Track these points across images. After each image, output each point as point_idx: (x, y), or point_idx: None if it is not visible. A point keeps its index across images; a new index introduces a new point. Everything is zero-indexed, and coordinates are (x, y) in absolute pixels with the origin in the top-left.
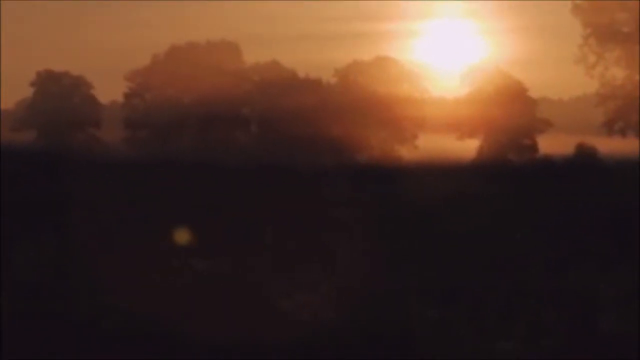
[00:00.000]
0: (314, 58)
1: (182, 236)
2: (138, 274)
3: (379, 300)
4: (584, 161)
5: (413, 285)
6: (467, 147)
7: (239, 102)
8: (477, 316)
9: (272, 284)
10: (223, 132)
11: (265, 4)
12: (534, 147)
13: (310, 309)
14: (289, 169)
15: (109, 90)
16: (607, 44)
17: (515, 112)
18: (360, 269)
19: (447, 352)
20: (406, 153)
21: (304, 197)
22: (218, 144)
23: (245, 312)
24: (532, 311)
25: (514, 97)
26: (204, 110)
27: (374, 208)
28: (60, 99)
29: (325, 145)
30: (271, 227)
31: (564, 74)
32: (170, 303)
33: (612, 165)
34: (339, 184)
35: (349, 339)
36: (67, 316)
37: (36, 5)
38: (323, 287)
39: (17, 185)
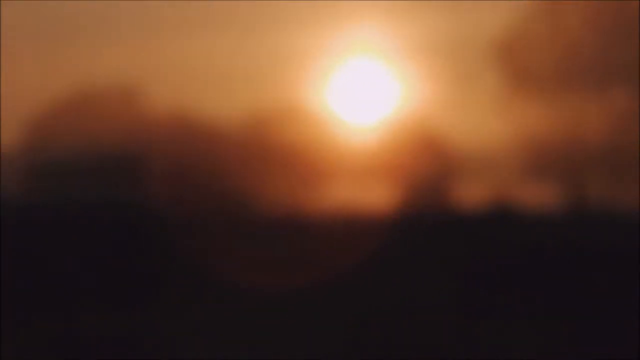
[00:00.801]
0: (219, 102)
1: None
2: None
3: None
4: (502, 213)
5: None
6: (380, 197)
7: (146, 153)
8: None
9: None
10: (116, 180)
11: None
12: (450, 197)
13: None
14: (188, 220)
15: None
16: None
17: (430, 160)
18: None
19: None
20: (314, 203)
21: (206, 250)
22: (110, 192)
23: None
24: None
25: (429, 144)
26: (98, 157)
27: (289, 267)
28: None
29: (227, 194)
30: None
31: (483, 120)
32: None
33: (533, 215)
34: (244, 236)
35: None
36: None
37: None
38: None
39: None
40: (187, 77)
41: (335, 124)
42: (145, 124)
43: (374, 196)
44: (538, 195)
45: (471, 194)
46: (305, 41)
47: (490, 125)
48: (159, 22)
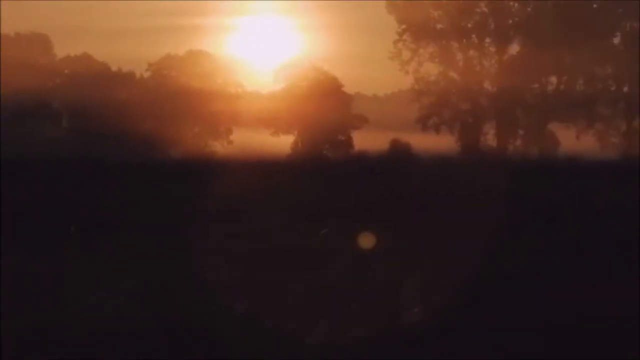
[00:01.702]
0: (127, 52)
1: None
2: None
3: (184, 297)
4: (398, 157)
5: (219, 281)
6: (282, 143)
7: (49, 95)
8: (279, 313)
9: (75, 281)
10: (33, 126)
11: None
12: (349, 143)
13: (113, 304)
14: (99, 164)
15: None
16: (422, 40)
17: (330, 108)
18: (165, 265)
19: (254, 349)
20: (220, 148)
21: (114, 192)
22: (27, 139)
23: (47, 308)
24: (336, 307)
25: (329, 93)
26: (13, 104)
27: (186, 204)
28: None
29: (138, 140)
30: (77, 224)
31: (379, 70)
32: None
33: (426, 160)
34: (151, 179)
35: (152, 336)
36: None
37: None
38: (127, 283)
39: None
40: (91, 30)
41: (240, 70)
42: (58, 70)
43: (277, 140)
44: (435, 141)
45: (370, 138)
46: None
47: (390, 75)
48: None
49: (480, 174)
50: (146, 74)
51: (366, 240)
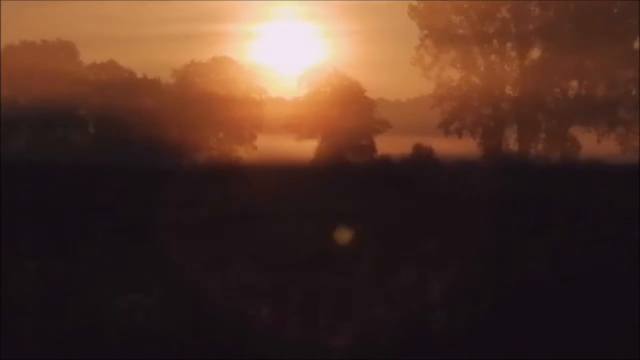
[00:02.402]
0: (151, 58)
1: None
2: None
3: (213, 301)
4: (421, 161)
5: (248, 286)
6: (306, 148)
7: (75, 102)
8: (308, 315)
9: (104, 284)
10: (59, 133)
11: (101, 5)
12: (372, 148)
13: (143, 309)
14: (126, 170)
15: None
16: (443, 45)
17: (353, 113)
18: (196, 270)
19: (278, 352)
20: (245, 154)
21: (140, 197)
22: (54, 145)
23: (77, 311)
24: (363, 310)
25: (352, 99)
26: (40, 111)
27: (211, 209)
28: None
29: (163, 146)
30: (107, 228)
31: (402, 75)
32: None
33: (449, 165)
34: (177, 184)
35: (181, 340)
36: None
37: None
38: (156, 288)
39: None
40: (116, 37)
41: (264, 76)
42: (83, 77)
43: (301, 145)
44: (457, 146)
45: (393, 143)
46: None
47: (412, 80)
48: None
49: (502, 178)
50: (171, 81)
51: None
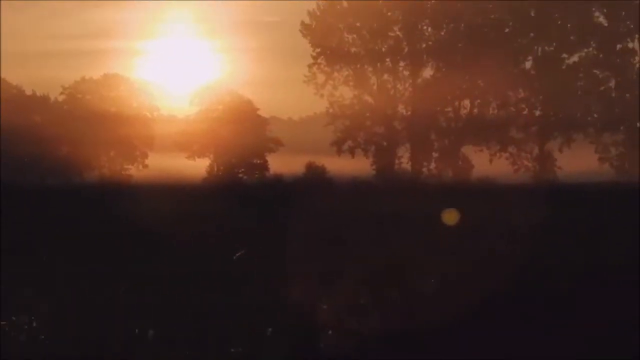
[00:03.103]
0: (41, 75)
1: None
2: None
3: (96, 318)
4: (314, 180)
5: (135, 304)
6: (198, 166)
7: None
8: (195, 337)
9: None
10: None
11: None
12: (264, 166)
13: (27, 330)
14: (13, 188)
15: None
16: (336, 64)
17: (245, 132)
18: (84, 289)
19: None
20: (136, 172)
21: (30, 216)
22: None
23: None
24: (252, 332)
25: (244, 117)
26: None
27: (101, 227)
28: None
29: (53, 164)
30: None
31: (295, 94)
32: None
33: (341, 183)
34: (66, 202)
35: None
36: None
37: None
38: (42, 307)
39: None
40: (4, 53)
41: (156, 93)
42: None
43: (192, 164)
44: (349, 164)
45: (286, 162)
46: (122, 17)
47: (305, 99)
48: None
49: (394, 197)
50: (61, 98)
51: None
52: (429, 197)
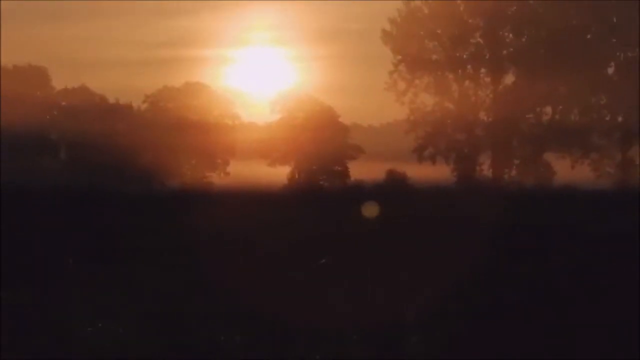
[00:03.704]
0: (124, 83)
1: None
2: None
3: (184, 326)
4: (395, 186)
5: (220, 311)
6: (279, 173)
7: (47, 128)
8: (280, 344)
9: (75, 312)
10: (31, 159)
11: (72, 29)
12: (345, 173)
13: (113, 335)
14: (97, 196)
15: None
16: (417, 71)
17: (326, 139)
18: (168, 295)
19: None
20: (217, 179)
21: (112, 223)
22: (26, 171)
23: (47, 339)
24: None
25: (325, 124)
26: (12, 136)
27: (184, 235)
28: None
29: (136, 172)
30: (75, 256)
31: (376, 101)
32: None
33: (422, 190)
34: (151, 209)
35: None
36: None
37: None
38: (127, 314)
39: None
40: (88, 62)
41: (237, 101)
42: (55, 102)
43: (273, 171)
44: (430, 171)
45: (366, 169)
46: (204, 24)
47: (386, 106)
48: (60, 10)
49: (476, 204)
50: (143, 106)
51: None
52: (511, 203)
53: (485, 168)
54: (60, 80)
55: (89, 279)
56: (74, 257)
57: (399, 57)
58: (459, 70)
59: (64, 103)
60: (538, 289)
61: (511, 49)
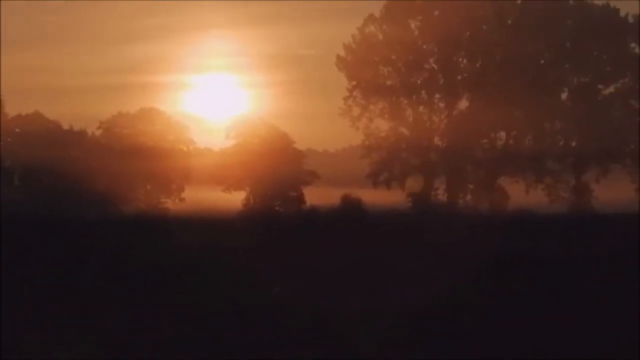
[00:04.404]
0: (77, 110)
1: None
2: None
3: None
4: (350, 212)
5: (171, 337)
6: (234, 199)
7: (0, 154)
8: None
9: (30, 341)
10: None
11: (25, 56)
12: (300, 199)
13: None
14: (52, 222)
15: None
16: (372, 97)
17: (281, 164)
18: (123, 322)
19: None
20: (173, 205)
21: (65, 248)
22: None
23: None
24: None
25: (281, 149)
26: None
27: (136, 259)
28: None
29: (90, 198)
30: (30, 281)
31: (330, 126)
32: None
33: (377, 215)
34: (103, 235)
35: None
36: None
37: None
38: (83, 343)
39: None
40: (41, 88)
41: (193, 127)
42: (9, 128)
43: (229, 197)
44: (385, 196)
45: (321, 194)
46: (159, 51)
47: (341, 131)
48: (13, 38)
49: (432, 228)
50: (98, 132)
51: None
52: (467, 228)
53: (440, 193)
54: (14, 107)
55: (47, 307)
56: (31, 285)
57: (354, 82)
58: (414, 96)
59: (17, 129)
60: (495, 313)
61: (465, 75)
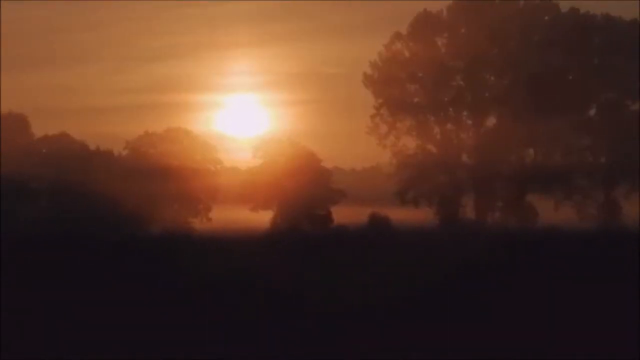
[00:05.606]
0: (104, 130)
1: None
2: None
3: None
4: (377, 230)
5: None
6: (261, 219)
7: (27, 175)
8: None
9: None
10: (11, 207)
11: (52, 76)
12: (328, 217)
13: None
14: (79, 243)
15: None
16: (399, 114)
17: (308, 183)
18: (156, 342)
19: None
20: (199, 225)
21: (93, 269)
22: (6, 219)
23: None
24: None
25: (308, 168)
26: None
27: (166, 280)
28: None
29: (117, 218)
30: (64, 301)
31: (357, 144)
32: None
33: (405, 234)
34: (131, 256)
35: None
36: None
37: None
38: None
39: None
40: (68, 109)
41: (220, 146)
42: (36, 149)
43: (256, 216)
44: (413, 215)
45: (349, 212)
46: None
47: (368, 149)
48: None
49: (460, 246)
50: (124, 152)
51: None
52: (496, 245)
53: (468, 210)
54: (41, 128)
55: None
56: (58, 305)
57: (381, 100)
58: (441, 113)
59: (44, 150)
60: (526, 329)
61: (493, 91)
